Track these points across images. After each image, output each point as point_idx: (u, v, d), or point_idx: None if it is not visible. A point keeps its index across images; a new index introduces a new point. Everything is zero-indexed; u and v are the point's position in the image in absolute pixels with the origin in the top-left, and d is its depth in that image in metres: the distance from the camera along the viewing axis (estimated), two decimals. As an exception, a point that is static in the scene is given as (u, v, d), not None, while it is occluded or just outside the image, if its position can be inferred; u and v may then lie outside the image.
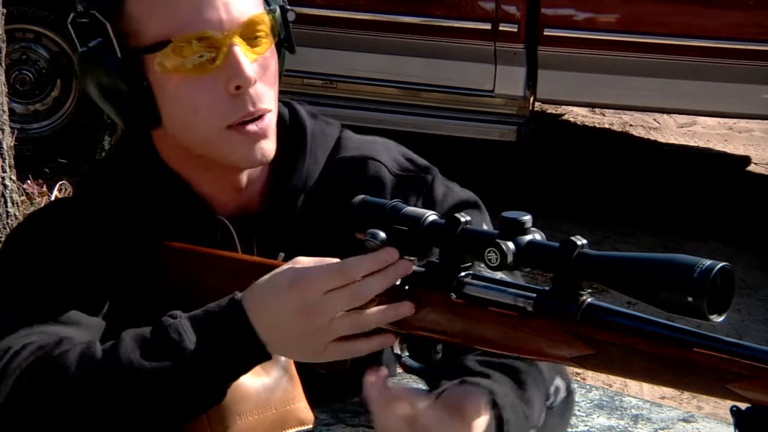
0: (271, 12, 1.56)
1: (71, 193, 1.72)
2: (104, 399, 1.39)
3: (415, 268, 1.37)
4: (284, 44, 1.61)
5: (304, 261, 1.38)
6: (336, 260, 1.36)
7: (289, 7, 1.61)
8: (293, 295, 1.35)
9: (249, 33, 1.52)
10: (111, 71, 1.51)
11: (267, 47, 1.55)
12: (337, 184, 1.64)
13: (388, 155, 1.67)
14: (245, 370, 1.41)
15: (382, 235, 1.37)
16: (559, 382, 1.53)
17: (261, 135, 1.53)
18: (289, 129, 1.65)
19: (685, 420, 1.76)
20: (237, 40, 1.50)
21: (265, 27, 1.54)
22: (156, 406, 1.39)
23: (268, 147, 1.55)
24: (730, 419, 1.18)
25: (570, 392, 1.57)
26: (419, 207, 1.59)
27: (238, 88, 1.50)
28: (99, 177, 1.68)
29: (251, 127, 1.52)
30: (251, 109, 1.52)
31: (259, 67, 1.53)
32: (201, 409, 1.42)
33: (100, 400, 1.40)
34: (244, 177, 1.60)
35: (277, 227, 1.61)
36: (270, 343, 1.38)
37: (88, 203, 1.62)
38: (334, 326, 1.35)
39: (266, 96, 1.54)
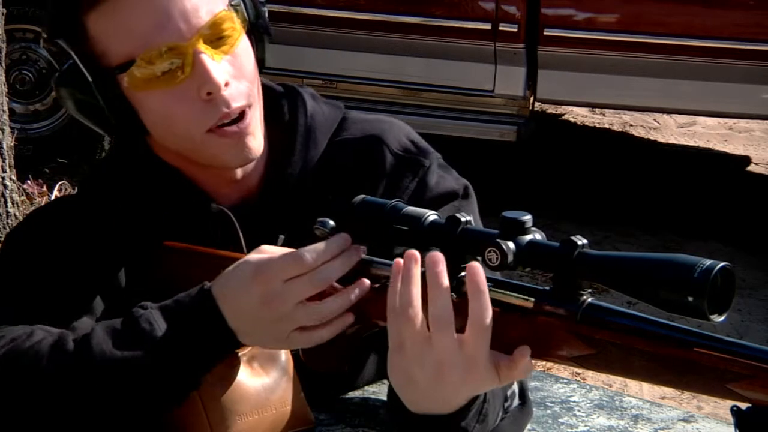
0: (234, 6, 1.54)
1: (72, 192, 1.73)
2: (77, 390, 1.40)
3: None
4: (260, 30, 1.58)
5: (266, 250, 1.40)
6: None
7: None
8: (256, 284, 1.37)
9: (213, 35, 1.50)
10: (86, 92, 1.52)
11: (235, 43, 1.53)
12: (339, 164, 1.63)
13: (393, 135, 1.66)
14: (217, 358, 1.42)
15: (332, 223, 1.40)
16: (515, 386, 1.53)
17: (243, 134, 1.53)
18: (287, 114, 1.65)
19: (685, 420, 1.76)
20: (201, 45, 1.48)
21: (230, 23, 1.52)
22: (129, 396, 1.40)
23: (254, 144, 1.55)
24: (730, 419, 1.18)
25: (525, 402, 1.56)
26: (412, 188, 1.60)
27: (209, 93, 1.49)
28: (99, 176, 1.68)
29: (231, 128, 1.52)
30: (226, 110, 1.51)
31: (230, 65, 1.52)
32: (176, 400, 1.43)
33: (73, 391, 1.40)
34: (239, 170, 1.60)
35: (278, 213, 1.61)
36: (239, 330, 1.39)
37: (89, 201, 1.62)
38: (296, 315, 1.37)
39: (242, 93, 1.52)
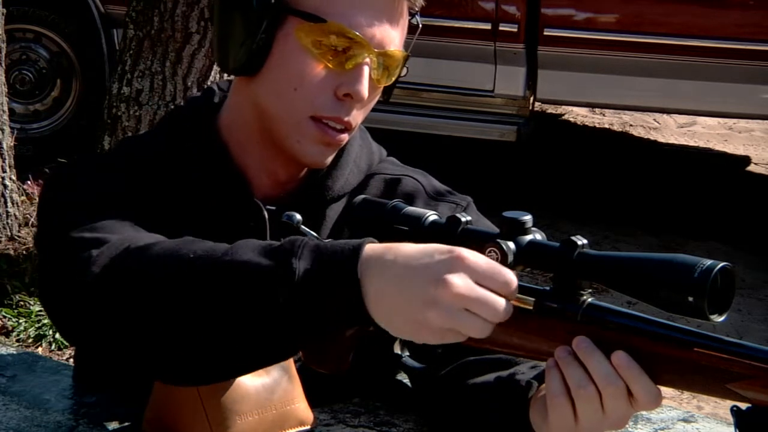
0: (406, 57, 1.59)
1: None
2: (189, 283, 1.31)
3: None
4: (387, 89, 1.62)
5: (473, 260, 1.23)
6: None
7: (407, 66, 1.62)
8: (434, 292, 1.21)
9: (385, 61, 1.55)
10: (252, 8, 1.52)
11: (387, 83, 1.58)
12: (372, 193, 1.66)
13: (427, 180, 1.71)
14: (336, 320, 1.27)
15: (298, 217, 1.41)
16: None
17: (332, 143, 1.56)
18: None
19: (685, 420, 1.76)
20: (374, 59, 1.53)
21: (397, 67, 1.57)
22: (239, 305, 1.28)
23: (330, 156, 1.59)
24: (730, 419, 1.18)
25: None
26: None
27: (346, 95, 1.53)
28: (138, 142, 1.68)
29: (332, 132, 1.55)
30: (344, 118, 1.54)
31: (371, 92, 1.56)
32: (277, 352, 1.32)
33: (185, 283, 1.31)
34: (290, 168, 1.61)
35: (307, 219, 1.59)
36: (373, 306, 1.25)
37: (126, 162, 1.60)
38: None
39: (358, 119, 1.58)
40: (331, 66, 1.52)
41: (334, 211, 1.66)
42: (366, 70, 1.52)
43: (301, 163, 1.59)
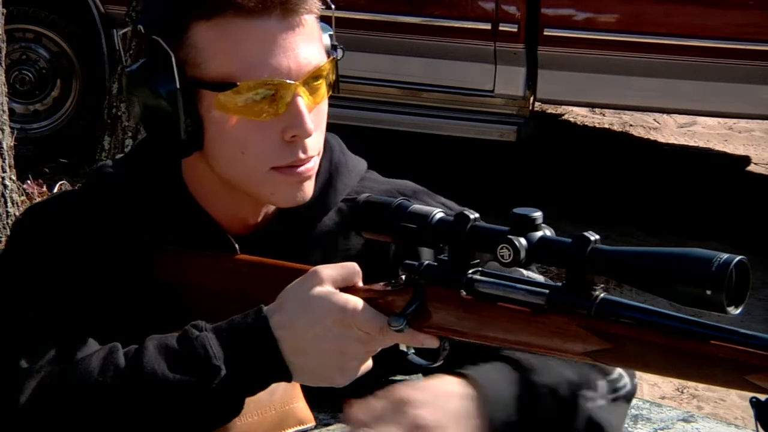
0: (332, 59, 1.54)
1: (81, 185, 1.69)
2: (124, 407, 1.39)
3: (428, 262, 1.37)
4: (334, 85, 1.57)
5: (329, 276, 1.39)
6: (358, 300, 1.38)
7: (337, 44, 1.56)
8: (335, 325, 1.37)
9: (312, 82, 1.49)
10: (164, 98, 1.47)
11: (325, 96, 1.53)
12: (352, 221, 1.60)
13: (413, 197, 1.62)
14: (264, 387, 1.41)
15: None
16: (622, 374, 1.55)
17: (304, 178, 1.51)
18: None
19: (685, 420, 1.76)
20: (301, 90, 1.47)
21: (327, 75, 1.52)
22: (174, 417, 1.39)
23: (309, 188, 1.53)
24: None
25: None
26: None
27: (294, 137, 1.48)
28: (112, 177, 1.62)
29: (299, 169, 1.50)
30: (302, 156, 1.49)
31: (314, 114, 1.50)
32: (218, 423, 1.42)
33: (120, 408, 1.40)
34: (263, 210, 1.58)
35: (281, 249, 1.57)
36: (293, 364, 1.38)
37: (96, 203, 1.58)
38: (365, 358, 1.40)
39: (317, 143, 1.52)
40: (264, 118, 1.47)
41: (315, 234, 1.61)
42: (300, 104, 1.46)
43: (283, 206, 1.55)
